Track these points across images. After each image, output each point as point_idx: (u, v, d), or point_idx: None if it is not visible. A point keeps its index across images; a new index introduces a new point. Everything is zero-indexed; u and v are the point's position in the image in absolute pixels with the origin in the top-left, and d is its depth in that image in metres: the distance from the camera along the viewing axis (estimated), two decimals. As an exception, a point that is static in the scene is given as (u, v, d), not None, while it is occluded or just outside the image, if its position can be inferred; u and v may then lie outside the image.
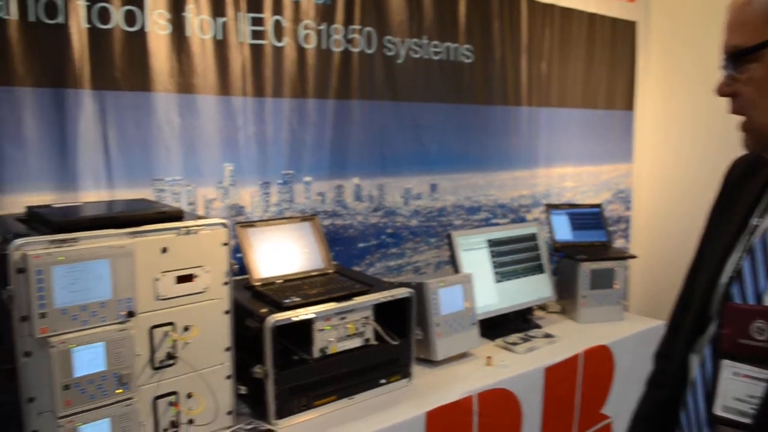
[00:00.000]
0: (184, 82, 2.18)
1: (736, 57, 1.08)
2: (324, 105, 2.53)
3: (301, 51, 2.44)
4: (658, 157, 3.98)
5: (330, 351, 1.95)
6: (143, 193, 2.12)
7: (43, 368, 1.45)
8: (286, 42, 2.39)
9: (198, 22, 2.18)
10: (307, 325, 1.90)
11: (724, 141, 3.51)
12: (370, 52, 2.64)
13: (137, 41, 2.06)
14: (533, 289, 2.89)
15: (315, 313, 1.89)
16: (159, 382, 1.67)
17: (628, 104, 3.88)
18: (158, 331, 1.66)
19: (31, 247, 1.44)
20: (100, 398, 1.51)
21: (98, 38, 1.98)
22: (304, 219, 2.31)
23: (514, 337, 2.61)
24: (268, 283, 2.08)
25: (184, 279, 1.69)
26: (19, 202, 1.85)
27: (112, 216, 1.76)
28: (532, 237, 2.98)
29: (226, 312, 1.79)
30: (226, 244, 1.77)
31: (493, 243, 2.81)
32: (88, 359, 1.49)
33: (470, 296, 2.42)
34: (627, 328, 2.79)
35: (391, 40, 2.70)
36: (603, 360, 2.61)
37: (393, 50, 2.72)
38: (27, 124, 1.90)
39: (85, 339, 1.48)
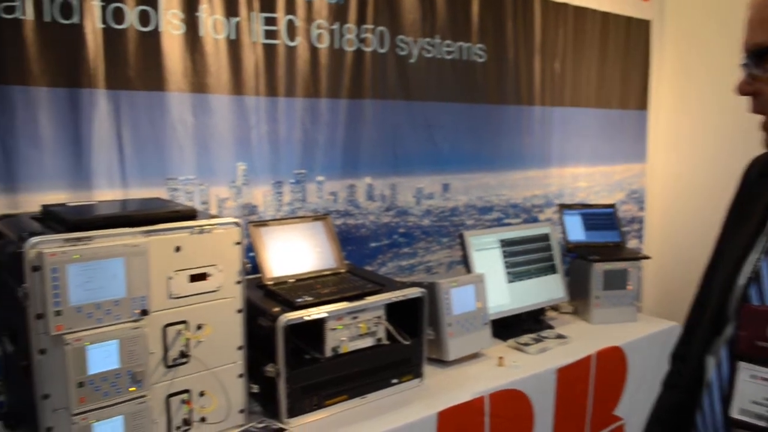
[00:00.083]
0: (198, 82, 2.19)
1: (758, 55, 1.06)
2: (336, 104, 2.53)
3: (313, 50, 2.44)
4: (672, 157, 3.95)
5: (342, 350, 1.95)
6: (157, 192, 2.13)
7: (58, 365, 1.46)
8: (299, 41, 2.40)
9: (211, 21, 2.18)
10: (319, 324, 1.90)
11: (739, 141, 3.48)
12: (382, 51, 2.64)
13: (151, 41, 2.07)
14: (546, 289, 2.88)
15: (327, 312, 1.90)
16: (172, 380, 1.68)
17: (642, 104, 3.85)
18: (171, 330, 1.67)
19: (47, 246, 1.45)
20: (113, 396, 1.52)
21: (113, 38, 2.00)
22: (316, 218, 2.32)
23: (526, 338, 2.60)
24: (281, 282, 2.09)
25: (197, 278, 1.70)
26: (34, 201, 1.87)
27: (126, 215, 1.76)
28: (545, 237, 2.96)
29: (239, 311, 1.80)
30: (239, 243, 1.77)
31: (505, 243, 2.80)
32: (102, 357, 1.50)
33: (482, 296, 2.41)
34: (640, 330, 2.77)
35: (403, 39, 2.70)
36: (616, 361, 2.60)
37: (406, 50, 2.71)
38: (42, 123, 1.91)
39: (100, 337, 1.49)
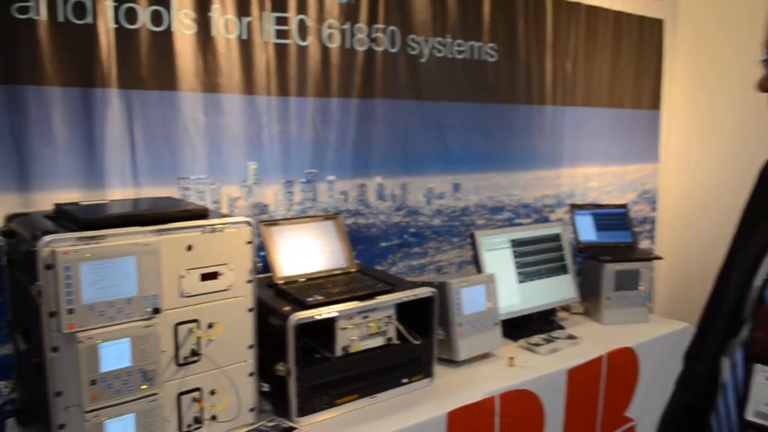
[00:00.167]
0: (210, 82, 2.20)
1: None
2: (347, 104, 2.53)
3: (325, 50, 2.44)
4: (685, 157, 3.93)
5: (352, 350, 1.95)
6: (168, 191, 2.14)
7: (71, 363, 1.47)
8: (310, 41, 2.40)
9: (223, 21, 2.19)
10: (329, 323, 1.90)
11: (753, 140, 3.46)
12: (393, 51, 2.64)
13: (163, 41, 2.08)
14: (556, 289, 2.87)
15: (338, 311, 1.90)
16: (183, 378, 1.69)
17: (655, 104, 3.83)
18: (183, 328, 1.67)
19: (60, 244, 1.46)
20: (125, 393, 1.53)
21: (125, 38, 2.01)
22: (327, 218, 2.32)
23: (536, 338, 2.59)
24: (291, 281, 2.09)
25: (208, 276, 1.71)
26: (47, 200, 1.88)
27: (139, 214, 1.77)
28: (556, 237, 2.95)
29: (250, 310, 1.80)
30: (250, 243, 1.78)
31: (516, 243, 2.79)
32: (115, 355, 1.51)
33: (493, 296, 2.41)
34: (652, 331, 2.76)
35: (414, 39, 2.70)
36: (627, 362, 2.58)
37: (417, 49, 2.71)
38: (55, 122, 1.93)
39: (112, 335, 1.50)
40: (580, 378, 2.39)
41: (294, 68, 2.37)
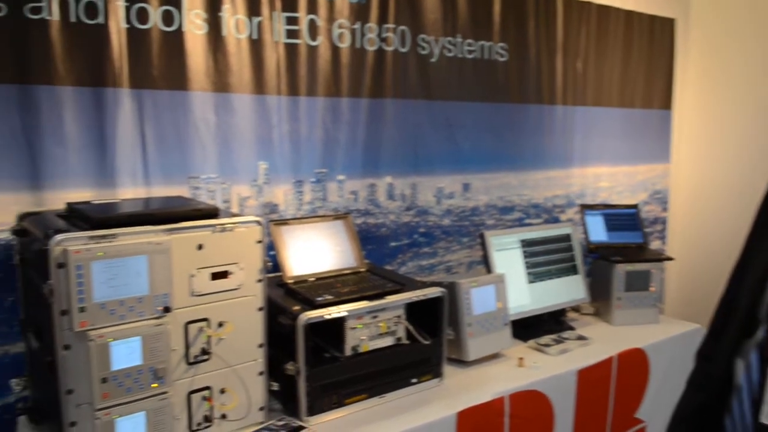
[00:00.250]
0: (220, 81, 2.20)
1: None
2: (357, 104, 2.54)
3: (335, 50, 2.44)
4: (697, 157, 3.90)
5: (361, 349, 1.95)
6: (179, 190, 2.15)
7: (82, 361, 1.48)
8: (321, 41, 2.40)
9: (234, 21, 2.20)
10: (339, 323, 1.90)
11: (765, 141, 3.44)
12: (403, 50, 2.64)
13: (174, 41, 2.09)
14: (567, 290, 2.86)
15: (347, 311, 1.90)
16: (193, 377, 1.70)
17: (666, 103, 3.81)
18: (193, 327, 1.68)
19: (71, 243, 1.47)
20: (136, 392, 1.54)
21: (136, 38, 2.02)
22: (337, 217, 2.32)
23: (546, 339, 2.58)
24: (301, 280, 2.09)
25: (218, 276, 1.71)
26: (59, 199, 1.90)
27: (150, 213, 1.78)
28: (566, 237, 2.94)
29: (260, 309, 1.81)
30: (260, 242, 1.78)
31: (526, 243, 2.78)
32: (126, 353, 1.51)
33: (503, 296, 2.40)
34: (662, 332, 2.74)
35: (425, 38, 2.69)
36: (638, 363, 2.57)
37: (427, 49, 2.71)
38: (67, 122, 1.94)
39: (123, 333, 1.51)
40: (590, 379, 2.38)
41: (304, 68, 2.38)
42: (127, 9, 1.99)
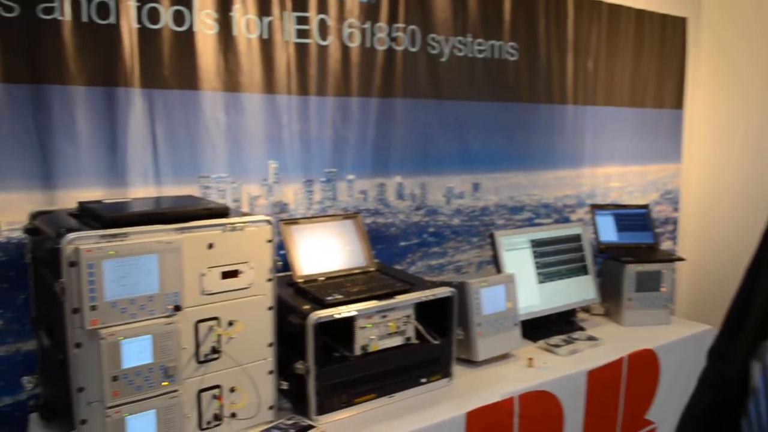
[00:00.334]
0: (231, 81, 2.21)
1: None
2: (367, 103, 2.54)
3: (345, 49, 2.45)
4: (708, 157, 3.88)
5: (371, 349, 1.95)
6: (190, 189, 2.16)
7: (93, 359, 1.49)
8: (331, 40, 2.41)
9: (244, 21, 2.20)
10: (348, 322, 1.90)
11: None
12: (413, 50, 2.63)
13: (185, 41, 2.10)
14: (577, 290, 2.85)
15: (357, 310, 1.90)
16: (203, 375, 1.70)
17: (678, 103, 3.79)
18: (203, 326, 1.69)
19: (83, 242, 1.48)
20: (146, 390, 1.55)
21: (148, 38, 2.03)
22: (346, 217, 2.32)
23: (556, 339, 2.57)
24: (311, 280, 2.10)
25: (229, 275, 1.72)
26: (71, 198, 1.91)
27: (161, 212, 1.78)
28: (577, 238, 2.93)
29: (270, 308, 1.81)
30: (270, 241, 1.79)
31: (536, 243, 2.77)
32: (136, 351, 1.52)
33: (512, 297, 2.40)
34: (673, 332, 2.73)
35: (435, 38, 2.69)
36: (648, 364, 2.56)
37: (437, 48, 2.71)
38: (79, 121, 1.95)
39: (134, 332, 1.52)
40: (600, 380, 2.37)
41: (314, 67, 2.38)
42: (139, 9, 2.00)
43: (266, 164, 2.33)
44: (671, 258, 2.99)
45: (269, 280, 1.80)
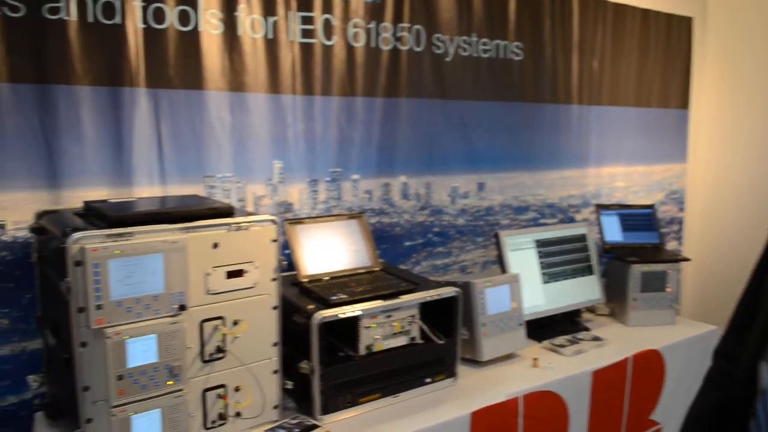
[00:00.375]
0: (236, 81, 2.21)
1: None
2: (372, 103, 2.54)
3: (350, 49, 2.45)
4: (714, 157, 3.86)
5: (376, 349, 1.95)
6: (195, 189, 2.16)
7: (98, 358, 1.50)
8: (336, 40, 2.41)
9: (249, 21, 2.21)
10: (353, 322, 1.91)
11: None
12: (418, 50, 2.63)
13: (190, 40, 2.10)
14: (582, 290, 2.84)
15: (361, 310, 1.90)
16: (208, 374, 1.71)
17: (683, 103, 3.78)
18: (208, 325, 1.69)
19: (89, 241, 1.48)
20: (152, 389, 1.55)
21: (153, 38, 2.03)
22: (351, 217, 2.32)
23: (561, 339, 2.57)
24: (316, 279, 2.10)
25: (234, 274, 1.72)
26: (76, 197, 1.91)
27: (166, 212, 1.79)
28: (582, 238, 2.92)
29: (275, 307, 1.82)
30: (275, 241, 1.79)
31: (541, 243, 2.77)
32: (141, 351, 1.53)
33: (517, 297, 2.39)
34: (679, 333, 2.72)
35: (440, 38, 2.69)
36: (653, 365, 2.55)
37: (442, 48, 2.70)
38: (84, 121, 1.95)
39: (139, 331, 1.53)
40: (605, 380, 2.36)
41: (319, 67, 2.38)
42: (144, 9, 2.00)
43: (271, 164, 2.33)
44: (677, 258, 2.99)
45: (274, 279, 1.80)
